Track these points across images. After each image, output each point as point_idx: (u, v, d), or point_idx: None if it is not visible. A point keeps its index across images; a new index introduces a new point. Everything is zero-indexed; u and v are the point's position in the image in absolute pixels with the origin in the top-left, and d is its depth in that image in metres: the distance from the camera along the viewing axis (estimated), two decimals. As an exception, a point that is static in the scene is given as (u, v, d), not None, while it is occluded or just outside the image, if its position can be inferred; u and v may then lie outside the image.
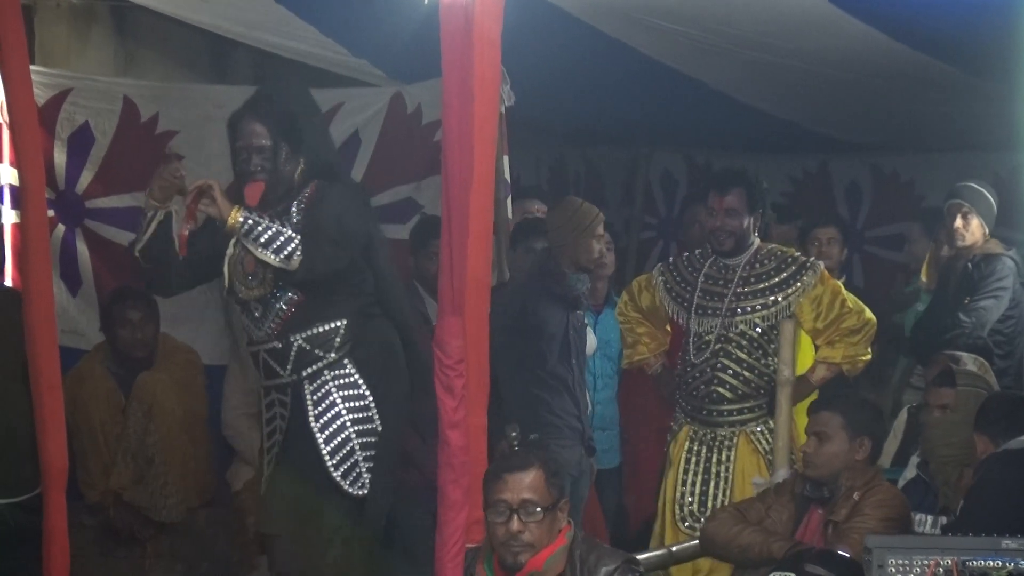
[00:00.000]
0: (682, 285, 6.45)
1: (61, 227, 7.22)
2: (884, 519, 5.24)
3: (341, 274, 5.57)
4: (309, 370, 5.58)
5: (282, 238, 5.42)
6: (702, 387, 6.32)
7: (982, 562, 4.40)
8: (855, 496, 5.33)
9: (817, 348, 6.48)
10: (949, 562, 4.41)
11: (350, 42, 7.40)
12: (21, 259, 5.84)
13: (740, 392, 6.27)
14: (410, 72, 7.42)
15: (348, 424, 5.58)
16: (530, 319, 6.67)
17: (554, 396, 6.75)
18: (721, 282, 6.35)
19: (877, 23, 6.50)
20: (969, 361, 6.01)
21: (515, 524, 4.60)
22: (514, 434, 6.47)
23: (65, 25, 7.78)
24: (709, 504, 6.19)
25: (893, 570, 4.44)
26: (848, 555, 4.83)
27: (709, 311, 6.33)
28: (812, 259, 6.43)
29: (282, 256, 5.41)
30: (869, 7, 6.36)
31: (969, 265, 7.18)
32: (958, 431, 5.64)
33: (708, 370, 6.30)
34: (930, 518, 5.49)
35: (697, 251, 6.62)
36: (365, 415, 5.60)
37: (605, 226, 7.13)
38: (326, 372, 5.59)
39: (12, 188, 6.53)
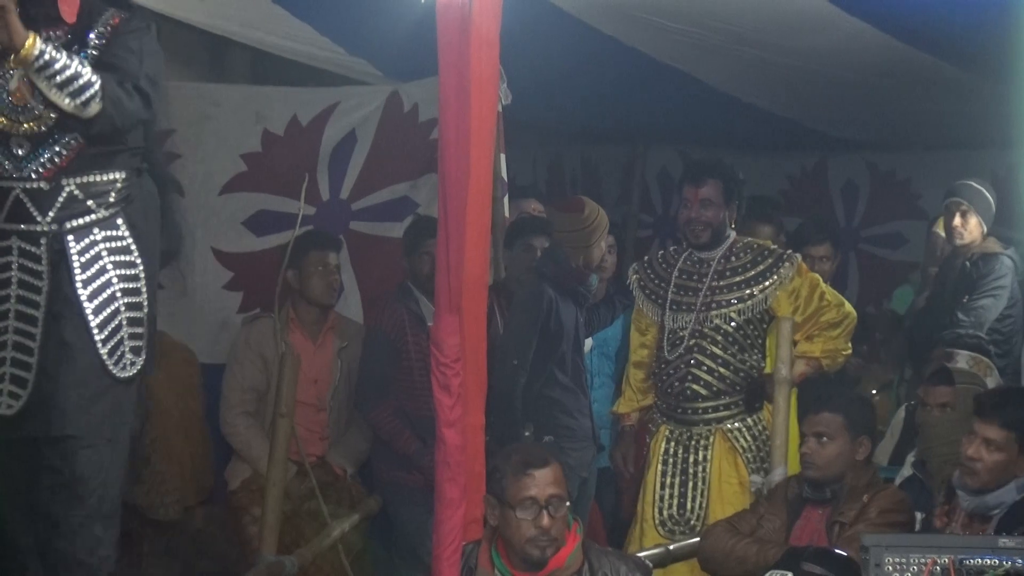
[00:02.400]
0: (656, 282, 6.28)
1: (57, 226, 7.19)
2: (892, 524, 5.23)
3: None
4: (76, 223, 4.78)
5: (81, 80, 4.60)
6: (676, 384, 6.15)
7: (979, 560, 4.38)
8: (864, 498, 5.32)
9: (795, 343, 6.29)
10: (946, 560, 4.40)
11: (346, 41, 7.40)
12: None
13: (715, 388, 6.10)
14: (407, 71, 7.41)
15: (119, 295, 4.82)
16: (555, 320, 6.63)
17: (569, 397, 6.70)
18: (695, 277, 6.17)
19: (875, 21, 6.50)
20: (962, 359, 6.01)
21: (545, 519, 4.56)
22: (528, 433, 6.45)
23: (61, 23, 7.76)
24: (688, 506, 6.08)
25: (890, 568, 4.42)
26: (845, 554, 4.83)
27: (683, 306, 6.15)
28: (789, 251, 6.23)
29: (78, 102, 4.61)
30: (868, 5, 6.35)
31: (967, 264, 7.17)
32: (958, 429, 5.62)
33: (682, 367, 6.13)
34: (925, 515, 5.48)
35: (672, 248, 6.48)
36: (135, 286, 4.86)
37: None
38: (96, 229, 4.80)
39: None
